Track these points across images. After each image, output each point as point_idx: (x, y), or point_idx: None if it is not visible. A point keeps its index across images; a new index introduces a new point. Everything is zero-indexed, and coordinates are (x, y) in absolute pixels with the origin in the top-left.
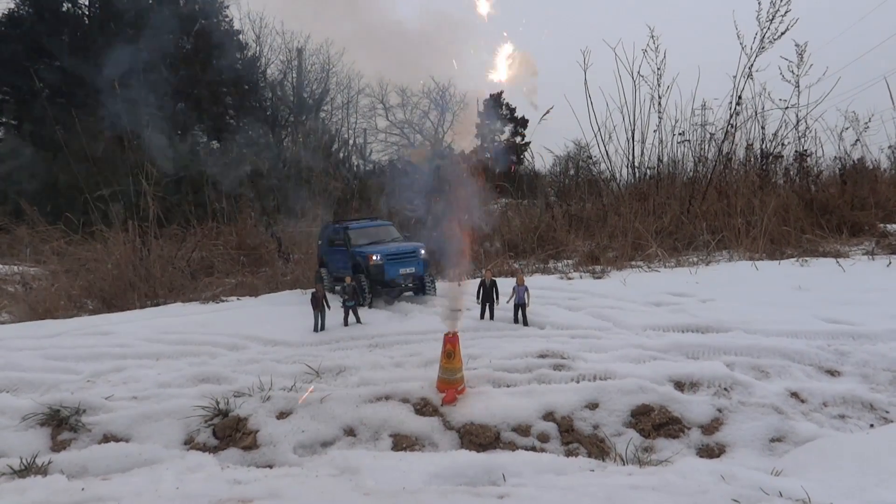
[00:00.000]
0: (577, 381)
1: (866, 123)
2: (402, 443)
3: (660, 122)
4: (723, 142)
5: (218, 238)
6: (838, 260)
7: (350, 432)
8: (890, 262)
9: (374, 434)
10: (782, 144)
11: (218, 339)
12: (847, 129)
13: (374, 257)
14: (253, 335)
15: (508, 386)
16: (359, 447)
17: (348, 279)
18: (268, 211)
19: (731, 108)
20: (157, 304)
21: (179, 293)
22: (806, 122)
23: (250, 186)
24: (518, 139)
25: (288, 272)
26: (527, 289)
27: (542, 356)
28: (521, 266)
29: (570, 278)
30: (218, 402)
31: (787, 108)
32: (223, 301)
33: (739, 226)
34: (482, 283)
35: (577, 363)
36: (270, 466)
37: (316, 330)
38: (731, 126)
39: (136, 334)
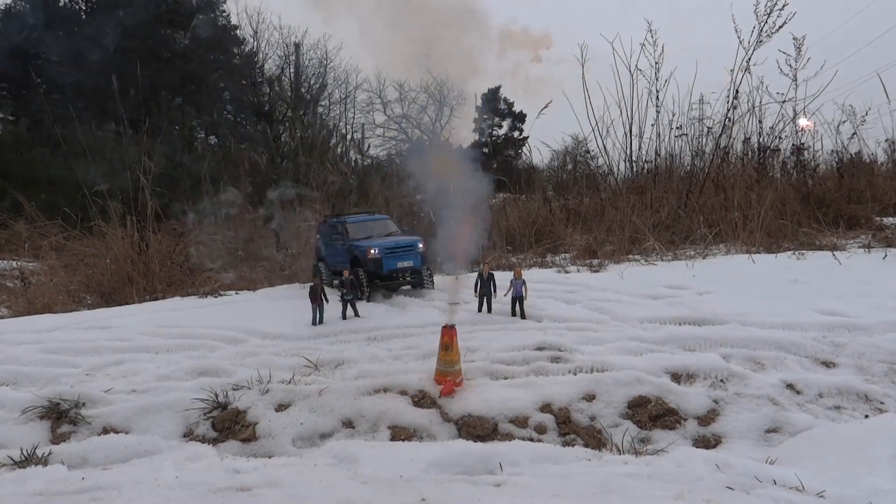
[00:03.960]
0: (575, 374)
1: (863, 117)
2: (400, 434)
3: (657, 117)
4: (720, 136)
5: (216, 233)
6: (835, 253)
7: (348, 424)
8: (886, 255)
9: (373, 426)
10: (779, 138)
11: (216, 332)
12: (844, 122)
13: (373, 251)
14: (251, 328)
15: (506, 378)
16: (357, 439)
17: (346, 273)
18: (265, 205)
19: (728, 102)
20: (156, 299)
21: (178, 287)
22: (804, 115)
23: (248, 181)
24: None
25: (286, 266)
26: (524, 282)
27: (540, 349)
28: (518, 260)
29: (567, 272)
30: (217, 395)
31: (784, 101)
32: (221, 295)
33: (736, 219)
34: (480, 277)
35: (574, 355)
36: (269, 457)
37: (314, 323)
38: (729, 120)
39: (135, 328)
